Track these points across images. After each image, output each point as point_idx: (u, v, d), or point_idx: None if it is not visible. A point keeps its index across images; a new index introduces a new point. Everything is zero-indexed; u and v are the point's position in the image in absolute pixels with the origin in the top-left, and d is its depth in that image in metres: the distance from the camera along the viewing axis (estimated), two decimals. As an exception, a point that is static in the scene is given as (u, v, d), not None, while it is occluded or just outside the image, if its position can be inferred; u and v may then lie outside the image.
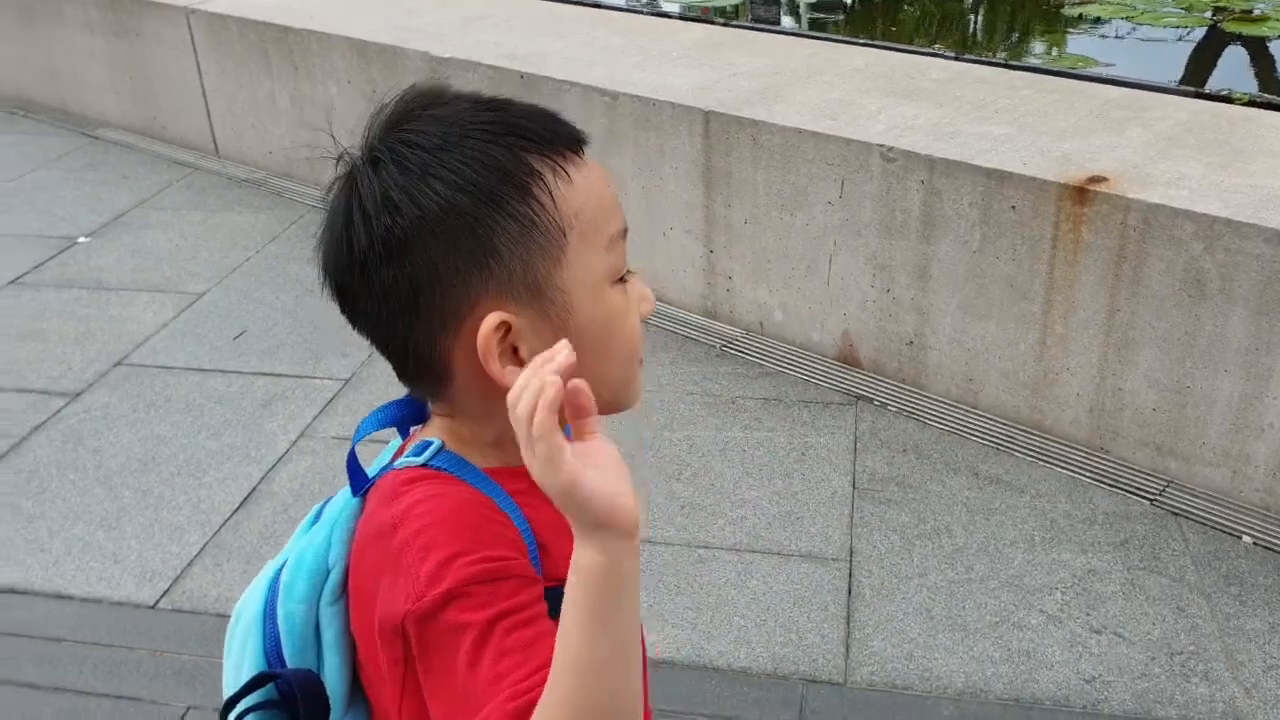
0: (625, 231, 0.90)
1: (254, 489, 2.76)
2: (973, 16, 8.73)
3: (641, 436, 2.95)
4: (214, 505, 2.70)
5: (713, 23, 4.72)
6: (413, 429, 0.96)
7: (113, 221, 4.36)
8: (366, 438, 0.92)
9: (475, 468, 0.87)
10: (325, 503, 0.97)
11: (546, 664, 0.73)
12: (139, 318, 3.60)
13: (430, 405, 0.94)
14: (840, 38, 4.47)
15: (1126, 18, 7.06)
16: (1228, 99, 4.14)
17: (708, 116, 3.41)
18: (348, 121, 4.51)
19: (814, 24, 7.82)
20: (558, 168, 0.85)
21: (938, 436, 2.97)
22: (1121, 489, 2.74)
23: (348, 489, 0.93)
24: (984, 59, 4.14)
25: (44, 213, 4.50)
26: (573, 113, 3.56)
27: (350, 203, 0.83)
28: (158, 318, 3.59)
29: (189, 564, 2.50)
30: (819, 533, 2.59)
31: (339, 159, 0.87)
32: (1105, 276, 2.78)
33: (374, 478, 0.90)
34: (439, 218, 0.81)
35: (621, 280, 0.89)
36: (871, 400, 3.14)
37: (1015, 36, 8.10)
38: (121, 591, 2.41)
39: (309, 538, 0.91)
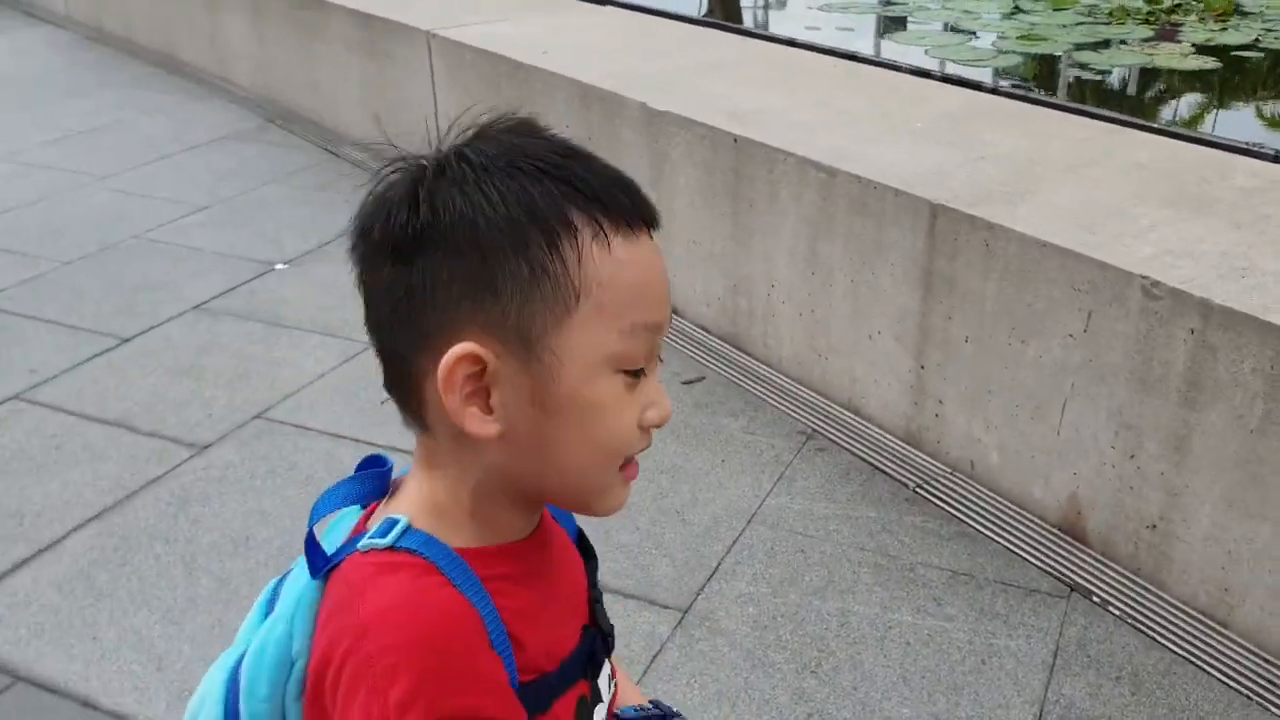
0: (659, 328, 0.82)
1: (333, 598, 2.46)
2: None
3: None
4: (284, 613, 2.42)
5: (978, 88, 4.08)
6: (374, 503, 0.88)
7: (317, 249, 4.25)
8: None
9: (446, 548, 0.80)
10: (279, 581, 0.89)
11: None
12: (299, 364, 3.41)
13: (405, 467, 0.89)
14: (1126, 118, 3.74)
15: None
16: None
17: (935, 211, 2.84)
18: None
19: (1104, 95, 6.77)
20: (601, 231, 0.78)
21: (1169, 664, 2.28)
22: None
23: (303, 566, 0.85)
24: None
25: (257, 233, 4.46)
26: (786, 187, 3.07)
27: (387, 197, 0.78)
28: (318, 366, 3.39)
29: (229, 687, 2.21)
30: (977, 788, 2.00)
31: (397, 159, 0.80)
32: None
33: (334, 557, 0.82)
34: (450, 231, 0.76)
35: (631, 374, 0.80)
36: (1090, 594, 2.48)
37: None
38: (150, 710, 2.15)
39: (267, 629, 0.83)
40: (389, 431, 3.00)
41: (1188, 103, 6.86)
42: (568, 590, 0.91)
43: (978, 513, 2.75)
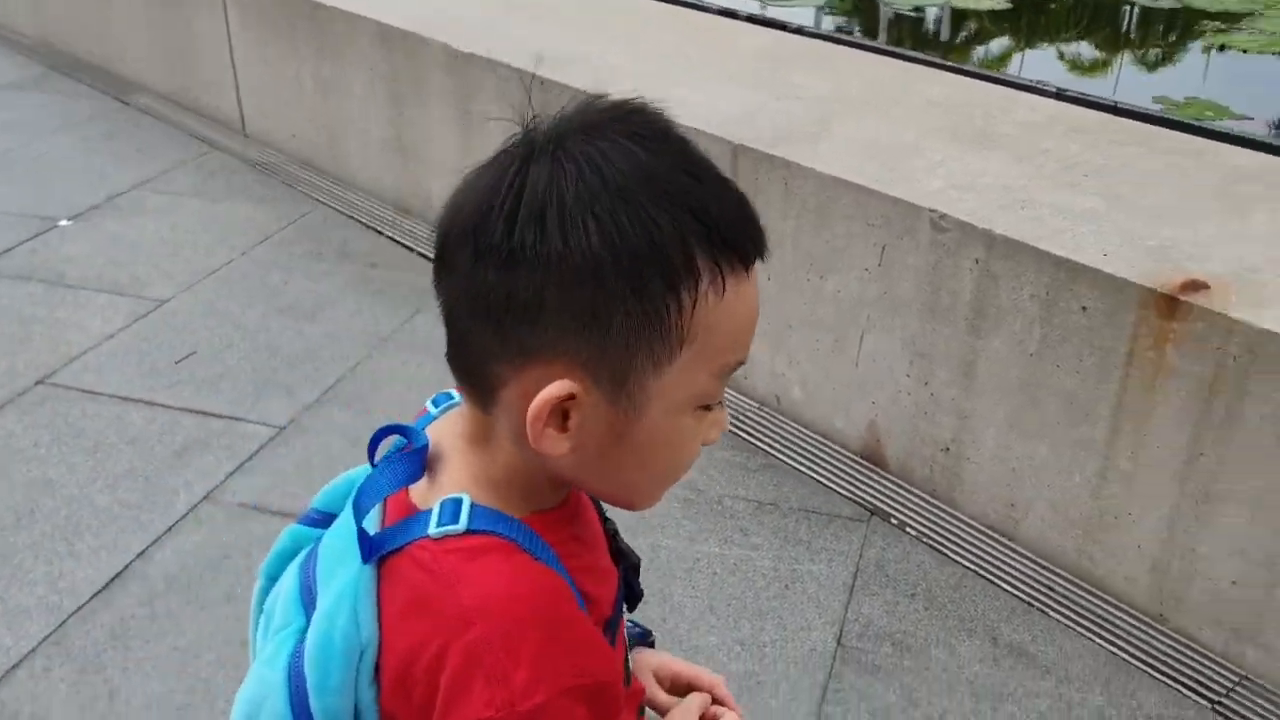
0: (741, 364, 0.80)
1: (127, 566, 2.35)
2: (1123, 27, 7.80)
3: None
4: (73, 585, 2.29)
5: (784, 29, 4.14)
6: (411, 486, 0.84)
7: (105, 203, 4.02)
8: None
9: (516, 520, 0.79)
10: (301, 564, 0.85)
11: None
12: (86, 325, 3.23)
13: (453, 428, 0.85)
14: (926, 57, 3.86)
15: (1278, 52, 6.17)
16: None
17: (736, 151, 2.88)
18: (369, 111, 4.10)
19: (910, 36, 6.95)
20: (718, 276, 0.75)
21: (959, 579, 2.41)
22: (1177, 681, 2.15)
23: (342, 549, 0.81)
24: (1093, 97, 3.49)
25: (39, 187, 4.18)
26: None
27: (508, 191, 0.73)
28: (106, 326, 3.21)
29: (14, 666, 2.09)
30: (781, 708, 2.07)
31: (526, 126, 0.77)
32: (1189, 411, 2.18)
33: (388, 542, 0.78)
34: (574, 263, 0.71)
35: (706, 407, 0.80)
36: (889, 517, 2.59)
37: (1145, 64, 7.19)
38: (-77, 698, 2.03)
39: (325, 620, 0.78)
40: (182, 393, 2.91)
41: (985, 43, 7.14)
42: (596, 527, 0.92)
43: (784, 445, 2.83)
